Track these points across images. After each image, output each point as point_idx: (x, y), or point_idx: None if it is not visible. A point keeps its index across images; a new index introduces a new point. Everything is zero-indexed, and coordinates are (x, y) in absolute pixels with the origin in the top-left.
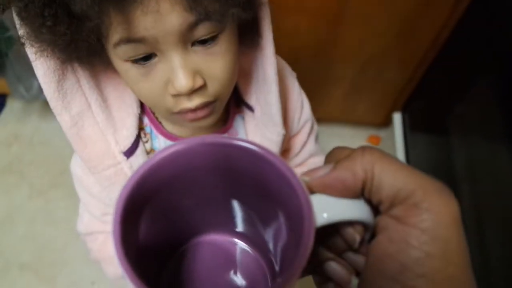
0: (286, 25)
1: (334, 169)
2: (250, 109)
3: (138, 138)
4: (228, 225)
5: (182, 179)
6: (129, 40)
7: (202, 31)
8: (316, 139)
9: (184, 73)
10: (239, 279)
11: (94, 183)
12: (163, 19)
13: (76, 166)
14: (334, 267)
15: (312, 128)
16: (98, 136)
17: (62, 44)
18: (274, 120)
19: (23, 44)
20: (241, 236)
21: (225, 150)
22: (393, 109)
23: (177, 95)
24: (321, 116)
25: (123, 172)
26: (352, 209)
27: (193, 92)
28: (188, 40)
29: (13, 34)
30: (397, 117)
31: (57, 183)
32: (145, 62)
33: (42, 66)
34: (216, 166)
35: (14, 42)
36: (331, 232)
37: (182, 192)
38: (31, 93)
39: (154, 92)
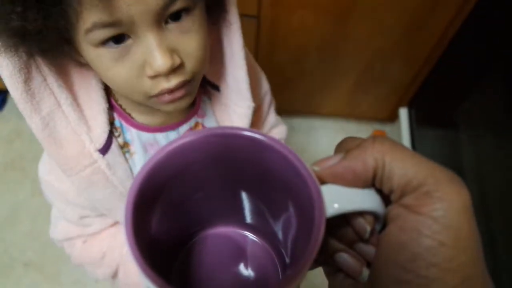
0: (293, 21)
1: (344, 159)
2: (216, 88)
3: (110, 134)
4: (238, 217)
5: (191, 172)
6: (103, 24)
7: (176, 5)
8: (274, 110)
9: (162, 52)
10: (249, 271)
11: (69, 188)
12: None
13: (46, 174)
14: (345, 258)
15: (271, 99)
16: (72, 136)
17: (33, 31)
18: (243, 94)
19: None
20: (251, 228)
21: (233, 141)
22: (399, 104)
23: (154, 77)
24: (327, 110)
25: (101, 171)
26: (362, 199)
27: (170, 72)
28: (163, 17)
29: None
30: (403, 112)
31: None
32: (118, 45)
33: (8, 67)
34: (224, 158)
35: None
36: (341, 223)
37: (191, 185)
38: None
39: (130, 76)
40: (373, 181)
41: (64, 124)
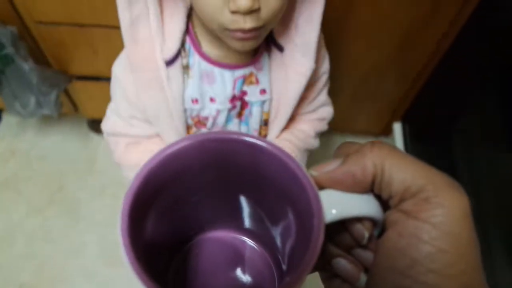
0: None
1: (343, 164)
2: (280, 48)
3: (178, 52)
4: (235, 222)
5: (188, 176)
6: None
7: None
8: (328, 91)
9: None
10: (245, 276)
11: (131, 84)
12: None
13: (118, 67)
14: (343, 263)
15: (327, 80)
16: (148, 41)
17: None
18: (309, 55)
19: None
20: (248, 233)
21: (230, 146)
22: (393, 119)
23: (235, 12)
24: None
25: (160, 78)
26: (361, 205)
27: (248, 13)
28: None
29: (9, 52)
30: (397, 127)
31: (54, 200)
32: None
33: None
34: (222, 163)
35: (10, 60)
36: (338, 228)
37: (189, 188)
38: (27, 110)
39: (216, 6)
40: (372, 187)
41: (145, 29)
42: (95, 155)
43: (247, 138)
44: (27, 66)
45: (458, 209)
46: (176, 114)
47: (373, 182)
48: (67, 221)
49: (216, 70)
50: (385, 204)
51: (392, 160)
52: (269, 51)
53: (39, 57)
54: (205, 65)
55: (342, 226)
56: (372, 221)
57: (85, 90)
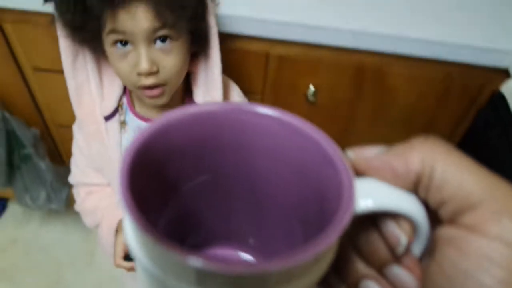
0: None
1: (386, 152)
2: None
3: (116, 111)
4: (241, 231)
5: (195, 148)
6: (115, 31)
7: (161, 32)
8: None
9: (146, 60)
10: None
11: (82, 138)
12: (137, 21)
13: (74, 126)
14: (372, 287)
15: None
16: (90, 102)
17: (78, 26)
18: (216, 90)
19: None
20: (252, 250)
21: (248, 119)
22: None
23: (139, 74)
24: None
25: (100, 132)
26: (402, 199)
27: (149, 74)
28: (152, 38)
29: (29, 152)
30: None
31: None
32: (123, 47)
33: (64, 46)
34: (234, 139)
35: (29, 159)
36: (370, 237)
37: (194, 164)
38: (36, 203)
39: (127, 70)
40: (415, 188)
41: (87, 92)
42: (95, 248)
43: (267, 111)
44: (43, 165)
45: None
46: (116, 163)
47: (417, 183)
48: None
49: (146, 125)
50: (430, 215)
51: (447, 159)
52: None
53: (55, 156)
54: (137, 121)
55: (375, 233)
56: (413, 225)
57: None
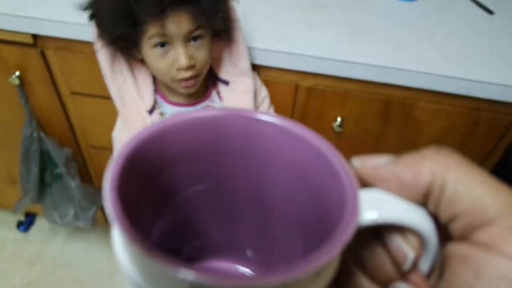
0: None
1: (394, 162)
2: (226, 83)
3: (154, 104)
4: (239, 243)
5: (197, 154)
6: (157, 35)
7: (196, 33)
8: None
9: (185, 57)
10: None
11: (125, 137)
12: (178, 25)
13: (114, 131)
14: None
15: (270, 104)
16: (132, 101)
17: (121, 32)
18: (247, 75)
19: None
20: (250, 263)
21: (249, 126)
22: None
23: (179, 69)
24: None
25: (146, 125)
26: (409, 211)
27: (188, 68)
28: (188, 38)
29: (60, 171)
30: None
31: None
32: (163, 48)
33: (104, 54)
34: (234, 146)
35: (60, 178)
36: (375, 251)
37: (192, 172)
38: (64, 220)
39: (166, 67)
40: (424, 201)
41: (128, 93)
42: (117, 267)
43: (266, 118)
44: (73, 184)
45: None
46: None
47: (426, 196)
48: None
49: (182, 109)
50: (440, 230)
51: (460, 171)
52: (216, 88)
53: (85, 175)
54: (173, 108)
55: (379, 247)
56: (420, 240)
57: None
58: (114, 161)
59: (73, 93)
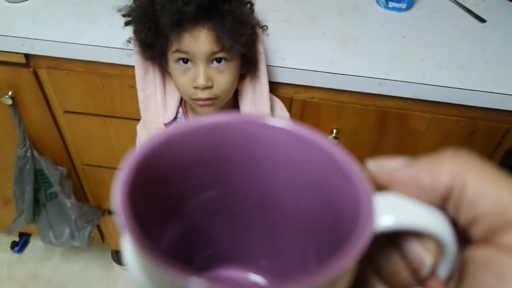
0: None
1: (411, 164)
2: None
3: (175, 119)
4: (251, 251)
5: (206, 161)
6: (180, 50)
7: (219, 55)
8: None
9: (203, 76)
10: None
11: (144, 137)
12: (199, 44)
13: (139, 128)
14: None
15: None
16: (155, 110)
17: (149, 44)
18: (264, 103)
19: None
20: (263, 271)
21: (259, 131)
22: None
23: (196, 88)
24: None
25: None
26: (428, 216)
27: (204, 88)
28: (210, 59)
29: (56, 190)
30: None
31: None
32: (184, 64)
33: (137, 62)
34: (244, 152)
35: (55, 197)
36: (390, 257)
37: (203, 179)
38: (60, 240)
39: (186, 84)
40: (443, 204)
41: (154, 103)
42: (115, 286)
43: (276, 123)
44: (69, 203)
45: None
46: None
47: (445, 199)
48: None
49: None
50: (459, 234)
51: (481, 173)
52: None
53: (80, 194)
54: None
55: (395, 252)
56: (439, 245)
57: (115, 224)
58: (123, 169)
59: (66, 111)
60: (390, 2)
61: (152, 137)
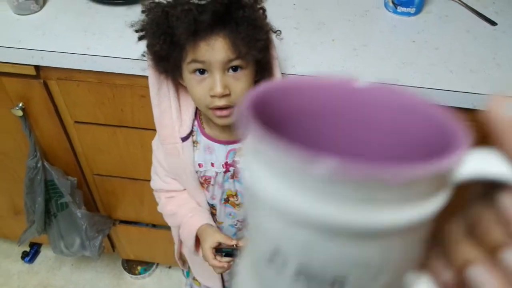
0: None
1: None
2: None
3: (190, 133)
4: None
5: (309, 115)
6: (196, 60)
7: (235, 63)
8: None
9: (220, 85)
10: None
11: (161, 153)
12: (215, 52)
13: (153, 145)
14: (481, 273)
15: None
16: (170, 125)
17: (163, 56)
18: None
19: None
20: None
21: (362, 92)
22: None
23: (213, 96)
24: None
25: (177, 149)
26: None
27: (221, 97)
28: (226, 67)
29: (67, 200)
30: None
31: None
32: (200, 75)
33: (152, 75)
34: (347, 111)
35: (65, 207)
36: (483, 211)
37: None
38: (71, 250)
39: (202, 93)
40: None
41: (169, 117)
42: None
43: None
44: (79, 213)
45: None
46: (189, 174)
47: None
48: None
49: (214, 144)
50: None
51: None
52: None
53: (90, 204)
54: (207, 141)
55: (489, 206)
56: None
57: (126, 233)
58: (248, 95)
59: (76, 122)
60: (399, 7)
61: (271, 82)
